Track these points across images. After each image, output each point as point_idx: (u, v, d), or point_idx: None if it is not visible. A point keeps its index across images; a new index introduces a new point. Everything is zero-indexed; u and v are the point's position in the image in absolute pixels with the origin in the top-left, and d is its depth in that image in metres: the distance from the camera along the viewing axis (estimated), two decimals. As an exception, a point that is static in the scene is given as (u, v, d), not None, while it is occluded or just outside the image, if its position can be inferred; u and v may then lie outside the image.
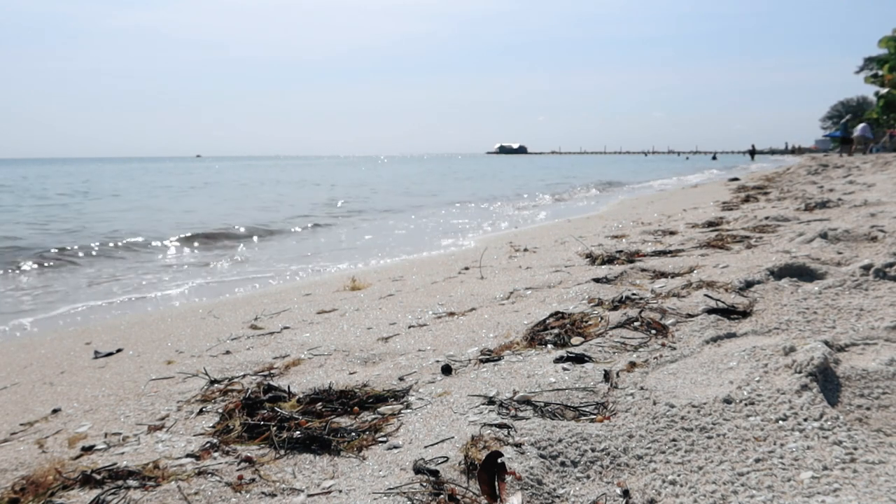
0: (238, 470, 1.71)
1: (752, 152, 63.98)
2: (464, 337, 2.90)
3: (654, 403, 1.87)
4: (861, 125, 31.02)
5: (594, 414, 1.90)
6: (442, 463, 1.63)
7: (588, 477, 1.59)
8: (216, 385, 2.52)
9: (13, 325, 4.70)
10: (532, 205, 15.25)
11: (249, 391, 2.26)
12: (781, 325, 2.49)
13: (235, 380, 2.57)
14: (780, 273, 3.17)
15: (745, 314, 2.67)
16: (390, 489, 1.54)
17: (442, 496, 1.49)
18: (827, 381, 1.88)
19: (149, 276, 6.75)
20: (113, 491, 1.59)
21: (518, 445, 1.66)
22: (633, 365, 2.23)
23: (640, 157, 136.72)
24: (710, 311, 2.71)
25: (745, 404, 1.80)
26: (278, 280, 6.16)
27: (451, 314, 3.44)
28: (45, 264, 7.65)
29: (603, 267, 4.25)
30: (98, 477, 1.67)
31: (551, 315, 2.93)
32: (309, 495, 1.59)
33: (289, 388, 2.30)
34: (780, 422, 1.71)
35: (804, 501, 1.41)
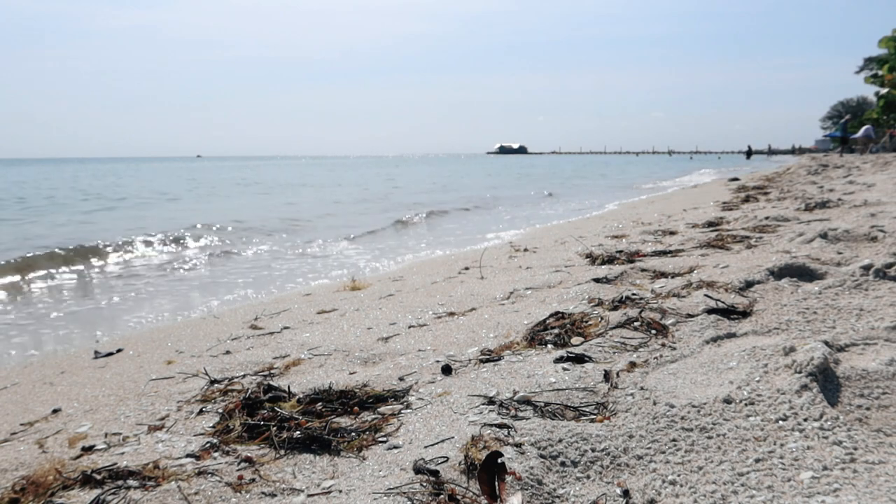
0: (238, 470, 1.71)
1: (749, 153, 64.11)
2: (464, 337, 2.90)
3: (654, 403, 1.87)
4: (865, 126, 32.14)
5: (594, 414, 1.90)
6: (442, 463, 1.63)
7: (588, 477, 1.59)
8: (216, 385, 2.52)
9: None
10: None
11: (249, 391, 2.26)
12: (781, 325, 2.49)
13: (235, 380, 2.57)
14: (780, 273, 3.17)
15: (745, 314, 2.67)
16: (390, 489, 1.54)
17: (442, 496, 1.49)
18: (827, 381, 1.87)
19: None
20: (113, 491, 1.59)
21: (518, 445, 1.66)
22: (633, 365, 2.23)
23: (631, 156, 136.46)
24: (710, 311, 2.71)
25: (745, 404, 1.80)
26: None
27: (452, 314, 3.44)
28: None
29: (603, 267, 4.24)
30: (98, 477, 1.67)
31: (551, 315, 2.93)
32: (309, 495, 1.59)
33: (289, 388, 2.30)
34: (780, 422, 1.71)
35: (804, 501, 1.41)
